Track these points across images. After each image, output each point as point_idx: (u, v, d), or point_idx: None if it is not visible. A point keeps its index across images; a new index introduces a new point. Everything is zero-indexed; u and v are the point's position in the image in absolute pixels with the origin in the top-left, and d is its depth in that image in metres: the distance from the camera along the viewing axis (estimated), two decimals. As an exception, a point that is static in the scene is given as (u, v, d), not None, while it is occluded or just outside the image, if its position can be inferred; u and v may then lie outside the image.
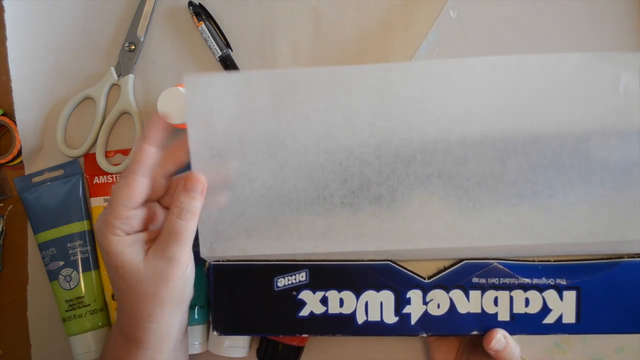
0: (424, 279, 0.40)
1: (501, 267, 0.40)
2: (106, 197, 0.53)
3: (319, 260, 0.40)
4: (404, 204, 0.39)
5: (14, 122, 0.54)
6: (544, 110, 0.39)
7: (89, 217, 0.53)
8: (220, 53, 0.52)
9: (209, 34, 0.52)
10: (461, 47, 0.52)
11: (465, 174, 0.39)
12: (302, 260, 0.41)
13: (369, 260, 0.40)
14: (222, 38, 0.53)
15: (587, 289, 0.40)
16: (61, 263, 0.51)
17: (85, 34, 0.54)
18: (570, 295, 0.40)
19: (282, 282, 0.40)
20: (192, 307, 0.50)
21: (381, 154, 0.39)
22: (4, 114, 0.54)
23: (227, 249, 0.40)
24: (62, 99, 0.54)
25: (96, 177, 0.53)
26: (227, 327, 0.42)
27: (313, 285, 0.40)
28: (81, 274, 0.51)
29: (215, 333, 0.43)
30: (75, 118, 0.54)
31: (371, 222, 0.39)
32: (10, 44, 0.53)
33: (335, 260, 0.40)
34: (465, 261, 0.40)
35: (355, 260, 0.40)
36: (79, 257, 0.52)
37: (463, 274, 0.40)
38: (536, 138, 0.39)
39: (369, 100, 0.39)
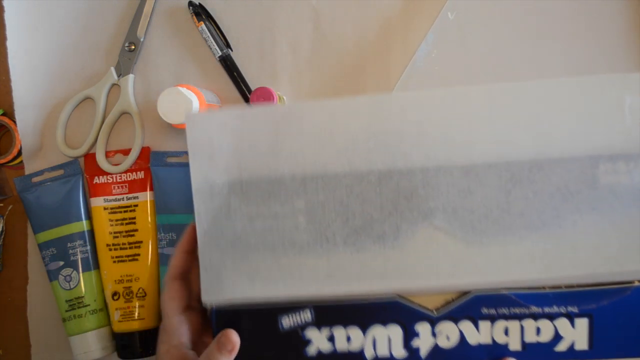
0: (432, 312, 0.39)
1: (511, 296, 0.39)
2: (106, 197, 0.53)
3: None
4: (409, 240, 0.38)
5: (14, 122, 0.54)
6: (548, 136, 0.38)
7: (89, 217, 0.53)
8: (220, 53, 0.52)
9: (209, 34, 0.52)
10: (459, 49, 0.52)
11: (470, 207, 0.38)
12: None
13: (375, 296, 0.39)
14: (222, 38, 0.53)
15: (599, 316, 0.38)
16: (61, 263, 0.51)
17: (85, 34, 0.54)
18: (582, 323, 0.38)
19: (286, 321, 0.39)
20: (192, 307, 0.51)
21: (382, 190, 0.38)
22: (4, 114, 0.54)
23: (230, 293, 0.39)
24: (62, 99, 0.54)
25: (96, 177, 0.53)
26: None
27: (319, 322, 0.39)
28: (81, 274, 0.51)
29: None
30: (75, 118, 0.54)
31: (376, 261, 0.38)
32: (10, 44, 0.53)
33: (340, 298, 0.39)
34: (474, 293, 0.39)
35: (361, 297, 0.39)
36: (79, 257, 0.52)
37: (472, 306, 0.39)
38: (541, 165, 0.37)
39: (365, 135, 0.38)
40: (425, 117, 0.38)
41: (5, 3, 0.53)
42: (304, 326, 0.39)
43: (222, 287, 0.39)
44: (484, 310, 0.39)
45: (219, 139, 0.38)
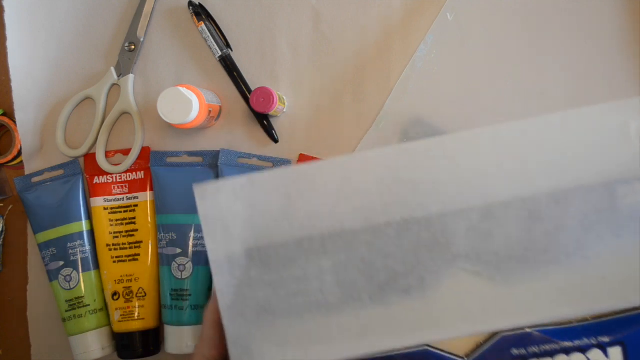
0: (463, 358, 0.39)
1: (539, 334, 0.38)
2: (106, 197, 0.53)
3: None
4: (435, 290, 0.38)
5: (14, 122, 0.54)
6: (560, 169, 0.37)
7: (89, 217, 0.53)
8: (220, 53, 0.52)
9: (209, 34, 0.52)
10: (458, 50, 0.53)
11: (492, 249, 0.37)
12: None
13: (405, 348, 0.38)
14: (222, 38, 0.53)
15: (631, 342, 0.38)
16: (61, 263, 0.51)
17: (85, 34, 0.54)
18: (616, 351, 0.38)
19: None
20: (192, 308, 0.51)
21: (402, 243, 0.37)
22: (4, 114, 0.54)
23: None
24: (62, 99, 0.54)
25: (96, 177, 0.53)
26: None
27: None
28: (81, 274, 0.51)
29: None
30: (75, 118, 0.54)
31: (405, 315, 0.37)
32: (10, 44, 0.53)
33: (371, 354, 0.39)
34: (501, 334, 0.38)
35: (391, 350, 0.38)
36: (78, 257, 0.52)
37: (502, 348, 0.38)
38: (557, 199, 0.37)
39: (378, 189, 0.37)
40: (435, 164, 0.38)
41: (5, 3, 0.53)
42: None
43: (252, 359, 0.38)
44: (515, 352, 0.38)
45: (231, 208, 0.38)
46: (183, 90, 0.47)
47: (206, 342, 0.39)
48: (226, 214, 0.38)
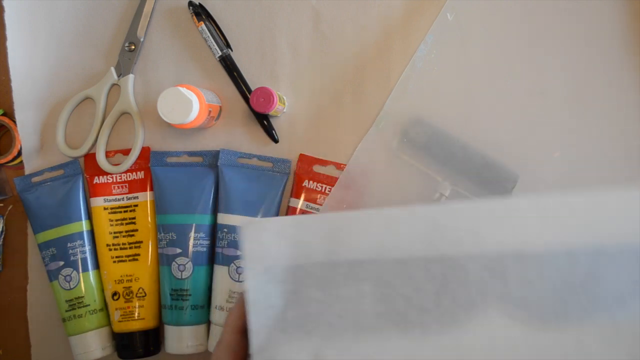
0: None
1: None
2: (106, 197, 0.53)
3: None
4: (467, 331, 0.37)
5: (14, 122, 0.54)
6: (602, 226, 0.37)
7: (88, 217, 0.53)
8: (220, 53, 0.52)
9: (209, 34, 0.52)
10: (458, 50, 0.53)
11: (529, 296, 0.37)
12: None
13: None
14: (222, 38, 0.53)
15: None
16: (61, 263, 0.51)
17: (85, 34, 0.54)
18: None
19: None
20: (192, 308, 0.51)
21: (441, 301, 0.37)
22: (4, 114, 0.54)
23: None
24: (62, 99, 0.54)
25: (96, 177, 0.53)
26: None
27: None
28: (81, 274, 0.51)
29: None
30: (75, 118, 0.54)
31: (433, 352, 0.37)
32: (10, 44, 0.53)
33: None
34: None
35: None
36: (78, 257, 0.52)
37: None
38: (597, 254, 0.37)
39: (421, 245, 0.37)
40: (477, 228, 0.38)
41: (5, 3, 0.53)
42: None
43: None
44: None
45: (274, 248, 0.38)
46: (183, 90, 0.47)
47: (225, 347, 0.39)
48: (270, 254, 0.38)
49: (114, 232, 0.52)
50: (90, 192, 0.53)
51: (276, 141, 0.53)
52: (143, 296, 0.52)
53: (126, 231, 0.52)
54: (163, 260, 0.51)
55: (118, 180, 0.53)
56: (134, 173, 0.53)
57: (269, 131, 0.53)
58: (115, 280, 0.52)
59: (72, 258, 0.51)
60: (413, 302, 0.37)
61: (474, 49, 0.53)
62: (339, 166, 0.53)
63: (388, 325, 0.37)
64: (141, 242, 0.52)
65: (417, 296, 0.37)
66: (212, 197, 0.52)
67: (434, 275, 0.37)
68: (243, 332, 0.39)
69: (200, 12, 0.52)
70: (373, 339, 0.37)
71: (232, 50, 0.53)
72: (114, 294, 0.52)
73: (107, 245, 0.52)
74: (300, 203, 0.52)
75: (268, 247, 0.38)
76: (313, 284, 0.38)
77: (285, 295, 0.38)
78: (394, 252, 0.38)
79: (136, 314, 0.51)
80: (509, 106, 0.53)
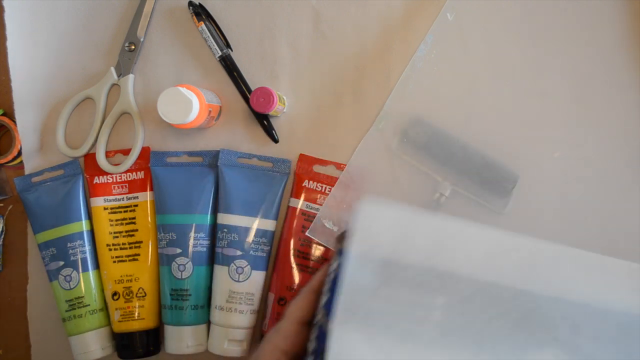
0: None
1: None
2: (106, 197, 0.53)
3: None
4: None
5: (14, 122, 0.54)
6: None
7: (88, 217, 0.53)
8: (220, 53, 0.52)
9: (209, 34, 0.52)
10: (458, 50, 0.53)
11: (585, 348, 0.38)
12: None
13: None
14: (222, 38, 0.53)
15: None
16: (61, 263, 0.51)
17: (85, 34, 0.54)
18: None
19: None
20: (192, 308, 0.51)
21: (518, 333, 0.38)
22: (4, 114, 0.54)
23: None
24: (62, 99, 0.54)
25: (96, 177, 0.53)
26: None
27: None
28: (81, 274, 0.51)
29: None
30: (75, 118, 0.54)
31: None
32: (10, 44, 0.53)
33: None
34: None
35: None
36: (78, 257, 0.52)
37: None
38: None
39: (520, 276, 0.38)
40: (572, 276, 0.39)
41: (5, 3, 0.53)
42: None
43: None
44: None
45: (384, 235, 0.38)
46: (183, 90, 0.47)
47: (283, 335, 0.39)
48: (376, 239, 0.38)
49: (114, 232, 0.52)
50: (90, 192, 0.53)
51: (276, 141, 0.53)
52: (143, 296, 0.52)
53: (126, 231, 0.52)
54: (163, 260, 0.51)
55: (118, 180, 0.53)
56: (134, 173, 0.53)
57: (269, 131, 0.53)
58: (115, 280, 0.52)
59: (72, 258, 0.51)
60: (492, 327, 0.38)
61: (474, 49, 0.53)
62: (339, 166, 0.53)
63: (462, 344, 0.38)
64: (141, 242, 0.52)
65: (497, 322, 0.38)
66: (212, 197, 0.52)
67: (520, 307, 0.38)
68: (304, 324, 0.39)
69: (200, 12, 0.52)
70: (443, 354, 0.38)
71: (232, 50, 0.53)
72: (114, 294, 0.52)
73: (107, 245, 0.52)
74: (300, 203, 0.52)
75: (379, 232, 0.38)
76: (404, 284, 0.38)
77: (376, 286, 0.38)
78: (492, 275, 0.38)
79: (136, 314, 0.51)
80: (509, 106, 0.53)
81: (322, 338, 0.38)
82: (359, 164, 0.52)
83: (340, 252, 0.41)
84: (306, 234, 0.51)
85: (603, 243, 0.52)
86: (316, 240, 0.51)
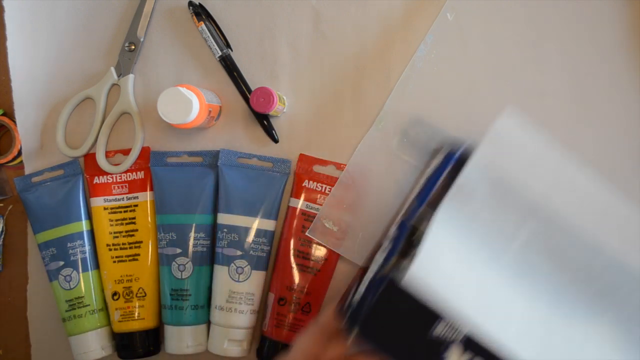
0: None
1: None
2: (106, 197, 0.53)
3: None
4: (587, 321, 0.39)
5: (14, 122, 0.54)
6: None
7: (88, 217, 0.53)
8: (220, 53, 0.52)
9: (209, 34, 0.52)
10: (458, 50, 0.53)
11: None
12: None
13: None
14: (222, 38, 0.53)
15: None
16: (61, 263, 0.51)
17: (85, 34, 0.54)
18: None
19: (439, 330, 0.36)
20: (192, 308, 0.50)
21: (593, 289, 0.39)
22: (4, 114, 0.54)
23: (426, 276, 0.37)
24: (62, 99, 0.54)
25: (96, 177, 0.53)
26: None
27: (465, 347, 0.37)
28: (81, 274, 0.51)
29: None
30: (75, 118, 0.54)
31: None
32: (10, 44, 0.53)
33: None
34: None
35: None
36: (78, 257, 0.52)
37: None
38: None
39: (608, 237, 0.39)
40: None
41: (5, 3, 0.53)
42: (449, 343, 0.36)
43: (429, 272, 0.37)
44: None
45: (511, 152, 0.39)
46: (183, 90, 0.47)
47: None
48: (510, 147, 0.40)
49: (114, 232, 0.52)
50: (90, 192, 0.53)
51: (276, 141, 0.53)
52: (143, 296, 0.52)
53: (126, 231, 0.52)
54: (163, 260, 0.51)
55: (118, 180, 0.53)
56: (134, 173, 0.53)
57: (269, 131, 0.53)
58: (115, 280, 0.52)
59: (72, 258, 0.51)
60: (568, 278, 0.39)
61: (474, 49, 0.53)
62: (339, 166, 0.53)
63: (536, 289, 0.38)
64: (141, 242, 0.52)
65: (575, 277, 0.39)
66: (212, 197, 0.52)
67: (599, 269, 0.39)
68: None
69: (200, 12, 0.52)
70: (518, 286, 0.38)
71: (232, 50, 0.53)
72: (114, 294, 0.52)
73: (107, 245, 0.52)
74: (300, 203, 0.52)
75: (509, 151, 0.39)
76: (510, 206, 0.39)
77: (488, 197, 0.39)
78: (590, 230, 0.39)
79: (136, 314, 0.51)
80: (508, 105, 0.52)
81: (403, 229, 0.38)
82: (359, 164, 0.52)
83: (448, 155, 0.41)
84: (306, 234, 0.51)
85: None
86: (316, 240, 0.51)
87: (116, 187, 0.53)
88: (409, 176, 0.53)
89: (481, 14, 0.53)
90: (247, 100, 0.53)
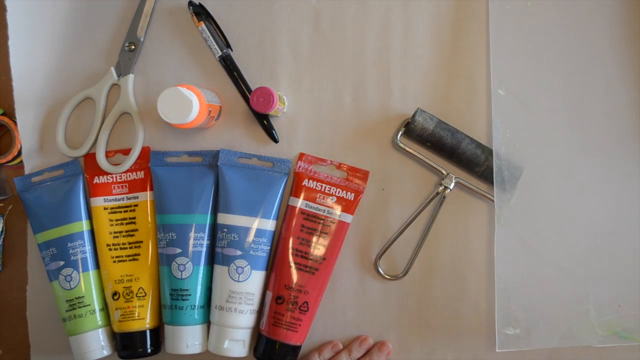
0: None
1: None
2: (106, 197, 0.53)
3: None
4: None
5: (14, 122, 0.54)
6: None
7: (89, 217, 0.53)
8: (220, 53, 0.52)
9: (209, 34, 0.52)
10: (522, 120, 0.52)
11: None
12: None
13: None
14: (222, 38, 0.53)
15: None
16: (61, 263, 0.51)
17: (85, 34, 0.54)
18: None
19: None
20: (192, 308, 0.50)
21: None
22: (4, 114, 0.54)
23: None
24: (62, 99, 0.54)
25: (96, 177, 0.53)
26: None
27: None
28: (81, 274, 0.51)
29: None
30: (75, 118, 0.54)
31: None
32: (11, 44, 0.53)
33: None
34: None
35: None
36: (79, 257, 0.52)
37: None
38: None
39: None
40: None
41: (7, 3, 0.53)
42: None
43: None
44: None
45: None
46: (183, 90, 0.47)
47: None
48: None
49: (114, 232, 0.52)
50: (90, 192, 0.53)
51: (276, 141, 0.53)
52: (143, 296, 0.52)
53: (126, 231, 0.52)
54: (163, 260, 0.51)
55: (118, 180, 0.53)
56: (134, 173, 0.53)
57: (269, 131, 0.53)
58: (115, 280, 0.52)
59: (72, 258, 0.51)
60: None
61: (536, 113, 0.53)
62: (339, 166, 0.53)
63: None
64: (141, 242, 0.52)
65: None
66: (212, 197, 0.52)
67: None
68: None
69: (200, 12, 0.52)
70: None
71: (232, 50, 0.53)
72: (114, 293, 0.52)
73: (107, 245, 0.52)
74: (300, 202, 0.52)
75: None
76: None
77: None
78: None
79: (136, 314, 0.51)
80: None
81: None
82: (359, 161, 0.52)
83: None
84: (497, 350, 0.51)
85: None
86: (315, 238, 0.51)
87: (116, 187, 0.53)
88: (412, 168, 0.53)
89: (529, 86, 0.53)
90: (247, 100, 0.53)
